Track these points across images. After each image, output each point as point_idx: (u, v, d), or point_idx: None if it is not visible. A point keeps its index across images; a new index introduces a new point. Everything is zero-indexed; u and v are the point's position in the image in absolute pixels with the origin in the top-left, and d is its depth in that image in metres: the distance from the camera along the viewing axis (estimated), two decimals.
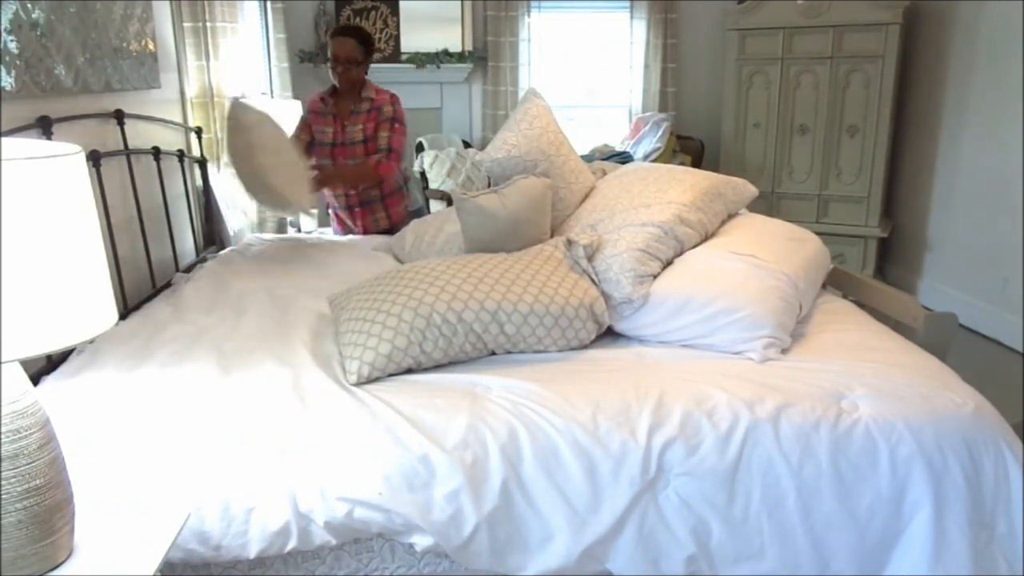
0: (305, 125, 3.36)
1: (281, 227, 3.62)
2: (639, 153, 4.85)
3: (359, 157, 3.25)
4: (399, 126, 3.28)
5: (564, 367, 1.88)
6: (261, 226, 3.72)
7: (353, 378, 1.79)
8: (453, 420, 1.63)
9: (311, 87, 5.01)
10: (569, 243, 2.12)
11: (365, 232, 3.40)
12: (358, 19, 5.08)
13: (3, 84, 1.93)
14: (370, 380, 1.79)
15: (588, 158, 4.64)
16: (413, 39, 5.10)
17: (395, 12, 5.11)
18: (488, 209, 2.20)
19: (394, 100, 3.29)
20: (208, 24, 3.30)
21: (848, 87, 4.66)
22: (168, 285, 2.67)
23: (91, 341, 1.10)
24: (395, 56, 5.05)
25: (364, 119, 3.24)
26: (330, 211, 3.57)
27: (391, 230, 3.34)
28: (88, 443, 1.55)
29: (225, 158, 3.30)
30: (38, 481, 1.09)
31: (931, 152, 4.60)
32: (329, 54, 3.23)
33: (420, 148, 4.90)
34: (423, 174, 4.79)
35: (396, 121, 3.26)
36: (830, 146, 4.77)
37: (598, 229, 2.23)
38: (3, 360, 1.00)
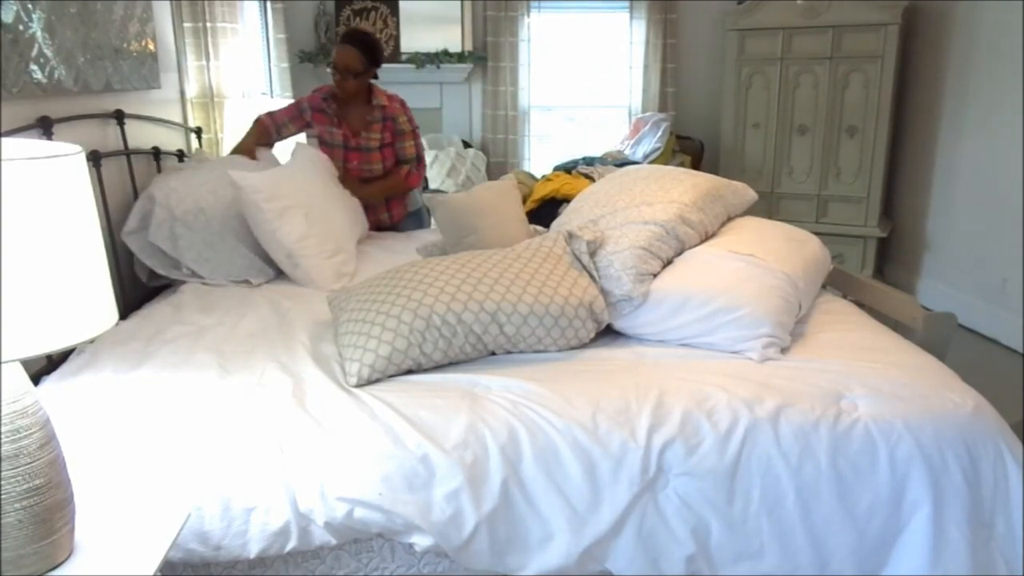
0: (300, 118, 3.29)
1: None
2: (639, 153, 4.86)
3: (375, 163, 3.30)
4: (417, 132, 3.37)
5: (564, 367, 1.88)
6: None
7: (353, 380, 1.79)
8: (453, 420, 1.63)
9: (311, 87, 5.01)
10: (570, 236, 2.12)
11: (369, 228, 3.47)
12: (358, 19, 5.08)
13: (3, 85, 1.93)
14: (370, 382, 1.79)
15: (602, 160, 4.67)
16: (413, 39, 5.11)
17: (395, 12, 5.11)
18: (455, 202, 2.56)
19: (405, 108, 3.33)
20: (208, 24, 3.30)
21: (847, 87, 4.66)
22: (169, 285, 2.67)
23: (91, 341, 1.10)
24: (395, 56, 5.05)
25: (380, 128, 3.27)
26: None
27: (392, 228, 3.45)
28: (88, 443, 1.55)
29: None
30: (38, 481, 1.09)
31: (930, 152, 4.60)
32: (331, 59, 3.21)
33: None
34: None
35: (414, 130, 3.35)
36: (829, 146, 4.77)
37: (600, 225, 2.23)
38: (3, 360, 1.00)
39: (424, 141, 4.87)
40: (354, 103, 3.24)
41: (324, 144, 3.29)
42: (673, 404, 1.68)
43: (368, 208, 3.38)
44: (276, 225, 2.56)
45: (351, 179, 3.23)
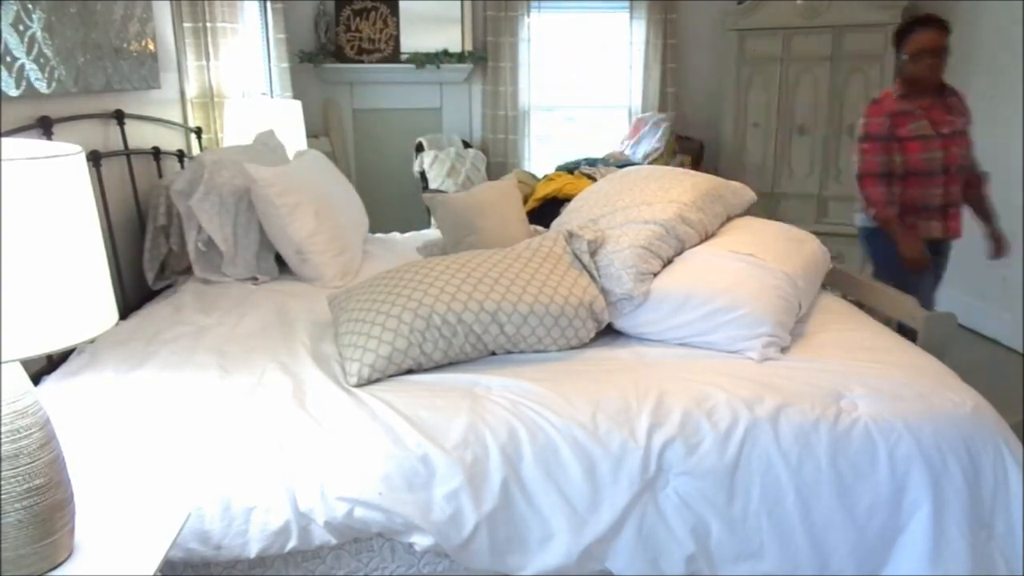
0: (888, 143, 2.98)
1: None
2: (639, 153, 4.86)
3: (969, 147, 3.08)
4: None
5: (564, 367, 1.88)
6: None
7: (353, 380, 1.79)
8: (453, 420, 1.63)
9: (311, 87, 5.02)
10: (571, 235, 2.12)
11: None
12: (358, 19, 5.07)
13: (3, 86, 1.93)
14: (370, 381, 1.80)
15: (604, 161, 4.66)
16: (413, 39, 5.10)
17: (395, 12, 5.11)
18: (455, 202, 2.58)
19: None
20: (208, 24, 3.30)
21: (847, 87, 4.66)
22: (169, 286, 2.67)
23: (91, 341, 1.10)
24: (395, 56, 5.05)
25: (960, 113, 3.05)
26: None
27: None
28: (88, 443, 1.55)
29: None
30: (38, 481, 1.09)
31: None
32: (908, 49, 2.98)
33: (420, 148, 4.91)
34: (423, 174, 4.80)
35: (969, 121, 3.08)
36: (830, 146, 4.78)
37: (600, 224, 2.23)
38: (3, 360, 1.00)
39: (424, 140, 4.89)
40: (927, 91, 3.01)
41: (914, 139, 2.98)
42: (673, 404, 1.68)
43: (957, 210, 3.16)
44: (287, 220, 2.59)
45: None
